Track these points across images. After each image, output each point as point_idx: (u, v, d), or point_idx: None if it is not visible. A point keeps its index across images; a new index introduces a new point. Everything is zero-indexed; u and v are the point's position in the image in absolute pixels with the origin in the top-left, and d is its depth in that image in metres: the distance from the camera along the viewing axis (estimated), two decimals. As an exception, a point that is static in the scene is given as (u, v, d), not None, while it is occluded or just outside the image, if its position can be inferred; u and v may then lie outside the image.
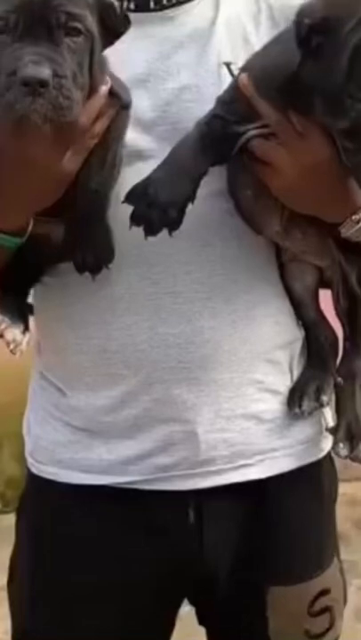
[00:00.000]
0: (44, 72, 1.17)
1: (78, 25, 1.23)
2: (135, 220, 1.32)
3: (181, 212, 1.32)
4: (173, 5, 1.46)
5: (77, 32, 1.23)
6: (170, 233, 1.32)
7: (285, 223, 1.43)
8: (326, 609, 1.53)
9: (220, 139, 1.34)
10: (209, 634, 1.63)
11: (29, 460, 1.56)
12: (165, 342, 1.42)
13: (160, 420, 1.44)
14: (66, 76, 1.20)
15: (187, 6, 1.46)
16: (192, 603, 1.58)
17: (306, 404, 1.50)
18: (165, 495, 1.46)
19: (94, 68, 1.26)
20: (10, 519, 1.62)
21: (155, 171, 1.33)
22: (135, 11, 1.42)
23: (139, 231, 1.33)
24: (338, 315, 1.50)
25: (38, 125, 1.20)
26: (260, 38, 1.45)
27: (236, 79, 1.36)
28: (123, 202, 1.33)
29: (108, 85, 1.31)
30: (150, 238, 1.32)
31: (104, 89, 1.30)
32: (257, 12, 1.48)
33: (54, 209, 1.36)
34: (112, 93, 1.32)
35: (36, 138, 1.25)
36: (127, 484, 1.47)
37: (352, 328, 1.50)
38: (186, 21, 1.46)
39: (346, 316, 1.49)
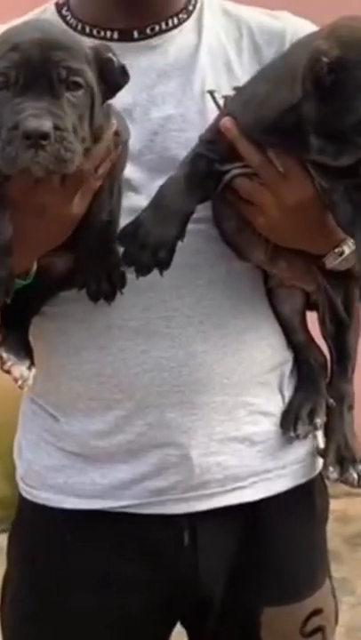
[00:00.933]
0: (46, 125, 1.19)
1: (79, 79, 1.24)
2: (127, 261, 1.35)
3: (171, 252, 1.34)
4: (156, 34, 1.47)
5: (78, 86, 1.24)
6: (161, 273, 1.35)
7: (270, 254, 1.45)
8: (319, 629, 1.54)
9: (205, 177, 1.36)
10: None
11: (21, 485, 1.56)
12: (158, 366, 1.42)
13: (154, 445, 1.45)
14: (67, 129, 1.21)
15: (169, 35, 1.47)
16: (184, 625, 1.58)
17: (301, 428, 1.51)
18: (160, 519, 1.47)
19: (95, 120, 1.27)
20: (1, 540, 1.62)
21: (143, 211, 1.35)
22: (118, 41, 1.44)
23: None
24: (324, 337, 1.52)
25: (40, 177, 1.22)
26: (242, 65, 1.47)
27: (217, 120, 1.38)
28: (114, 242, 1.36)
29: (114, 129, 1.32)
30: None
31: (109, 133, 1.32)
32: (239, 38, 1.50)
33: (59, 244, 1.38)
34: (116, 133, 1.33)
35: (46, 187, 1.27)
36: (121, 508, 1.47)
37: (339, 351, 1.51)
38: (169, 50, 1.47)
39: (332, 339, 1.51)
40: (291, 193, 1.33)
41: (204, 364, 1.43)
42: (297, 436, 1.51)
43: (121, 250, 1.36)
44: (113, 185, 1.37)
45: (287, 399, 1.53)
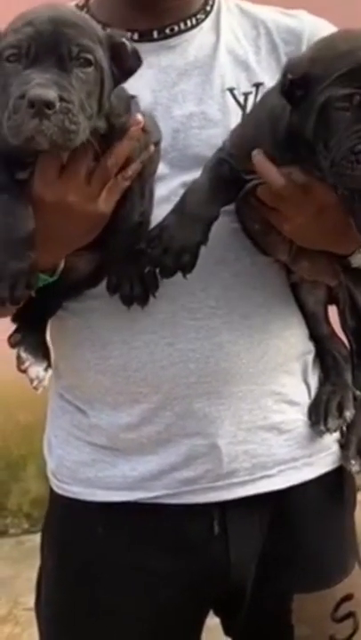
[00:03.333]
0: (50, 94, 1.20)
1: (89, 56, 1.25)
2: (151, 263, 1.38)
3: (194, 257, 1.37)
4: (176, 34, 1.49)
5: (88, 63, 1.25)
6: (184, 276, 1.38)
7: (293, 255, 1.47)
8: (350, 614, 1.55)
9: (229, 182, 1.39)
10: None
11: (52, 480, 1.59)
12: (185, 358, 1.44)
13: (182, 435, 1.47)
14: (73, 101, 1.22)
15: (188, 35, 1.50)
16: (217, 614, 1.60)
17: (331, 422, 1.53)
18: (190, 509, 1.49)
19: (104, 100, 1.29)
20: (37, 539, 1.64)
21: (167, 216, 1.38)
22: (139, 41, 1.46)
23: None
24: (344, 332, 1.54)
25: (42, 147, 1.23)
26: (261, 63, 1.50)
27: (242, 127, 1.40)
28: (140, 245, 1.38)
29: (140, 126, 1.34)
30: None
31: (134, 129, 1.33)
32: (256, 37, 1.52)
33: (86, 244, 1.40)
34: (144, 131, 1.35)
35: (71, 184, 1.29)
36: (152, 499, 1.49)
37: (359, 345, 1.52)
38: (188, 49, 1.49)
39: (353, 333, 1.52)
40: (313, 203, 1.34)
41: (231, 354, 1.45)
42: (327, 430, 1.52)
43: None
44: (144, 186, 1.39)
45: (313, 389, 1.55)
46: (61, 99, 1.20)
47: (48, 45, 1.23)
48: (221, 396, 1.46)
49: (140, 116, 1.35)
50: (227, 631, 1.63)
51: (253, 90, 1.48)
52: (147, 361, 1.45)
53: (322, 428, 1.52)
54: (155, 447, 1.48)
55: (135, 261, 1.41)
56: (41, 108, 1.19)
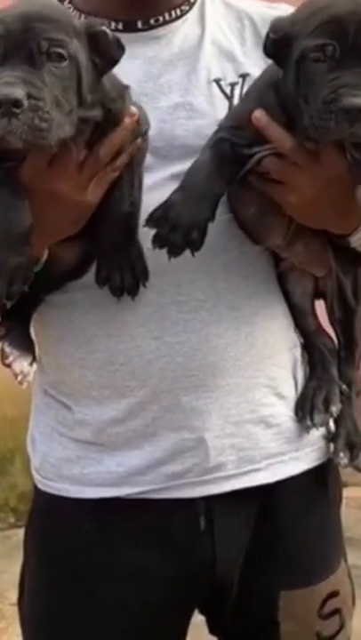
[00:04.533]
0: (17, 92, 1.17)
1: (61, 51, 1.23)
2: (159, 242, 1.35)
3: (203, 233, 1.36)
4: (161, 25, 1.49)
5: (60, 58, 1.23)
6: (192, 253, 1.36)
7: (289, 238, 1.46)
8: (336, 611, 1.55)
9: (232, 159, 1.37)
10: None
11: (36, 477, 1.57)
12: (172, 351, 1.43)
13: (169, 429, 1.46)
14: (43, 98, 1.20)
15: (173, 26, 1.49)
16: (202, 613, 1.59)
17: (317, 417, 1.52)
18: (176, 503, 1.48)
19: (83, 93, 1.27)
20: (22, 534, 1.63)
21: (172, 195, 1.36)
22: (123, 31, 1.45)
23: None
24: (332, 324, 1.53)
25: (19, 148, 1.21)
26: (246, 54, 1.49)
27: (241, 108, 1.40)
28: (144, 226, 1.36)
29: (134, 118, 1.33)
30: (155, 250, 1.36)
31: (127, 121, 1.32)
32: (241, 28, 1.52)
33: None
34: (137, 123, 1.34)
35: (61, 173, 1.28)
36: (138, 494, 1.48)
37: (346, 337, 1.52)
38: (173, 40, 1.49)
39: (340, 325, 1.52)
40: (324, 171, 1.33)
41: (218, 346, 1.44)
42: (314, 425, 1.52)
43: (151, 232, 1.36)
44: (133, 176, 1.38)
45: (300, 383, 1.55)
46: (30, 96, 1.18)
47: (17, 42, 1.21)
48: (209, 389, 1.45)
49: (134, 109, 1.34)
50: (212, 629, 1.62)
51: (240, 80, 1.48)
52: (133, 355, 1.44)
53: (308, 423, 1.52)
54: (141, 441, 1.47)
55: (125, 251, 1.40)
56: (8, 107, 1.17)
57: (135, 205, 1.39)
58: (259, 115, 1.33)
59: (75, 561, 1.51)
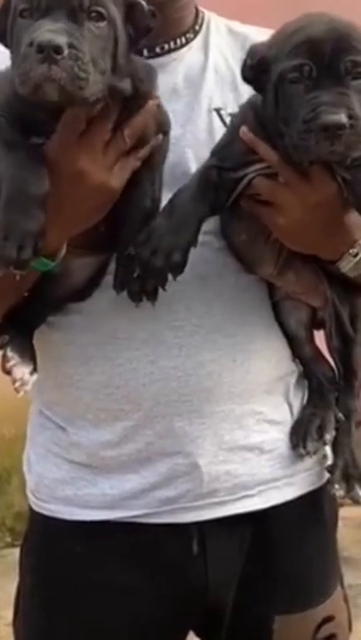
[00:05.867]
0: (59, 38, 1.18)
1: (101, 10, 1.24)
2: (141, 266, 1.35)
3: (185, 257, 1.36)
4: (166, 53, 1.49)
5: (100, 17, 1.24)
6: (174, 277, 1.36)
7: (280, 267, 1.46)
8: (331, 636, 1.55)
9: (217, 185, 1.38)
10: None
11: (31, 498, 1.57)
12: (166, 376, 1.43)
13: (163, 454, 1.46)
14: (83, 51, 1.20)
15: (178, 54, 1.50)
16: (197, 635, 1.59)
17: (310, 445, 1.52)
18: (169, 528, 1.48)
19: (118, 57, 1.27)
20: (18, 553, 1.62)
21: (156, 220, 1.36)
22: None
23: None
24: (331, 353, 1.53)
25: (51, 98, 1.20)
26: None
27: (229, 129, 1.41)
28: (128, 251, 1.36)
29: (157, 102, 1.34)
30: None
31: (151, 104, 1.33)
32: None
33: (86, 240, 1.38)
34: (159, 108, 1.35)
35: (87, 150, 1.28)
36: (131, 518, 1.48)
37: (345, 367, 1.52)
38: (178, 68, 1.50)
39: (339, 355, 1.52)
40: (313, 191, 1.34)
41: (213, 373, 1.44)
42: (307, 453, 1.51)
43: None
44: (154, 174, 1.38)
45: (295, 409, 1.54)
46: (71, 45, 1.19)
47: None
48: (202, 415, 1.45)
49: (159, 97, 1.35)
50: None
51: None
52: (129, 378, 1.44)
53: (301, 450, 1.52)
54: (135, 466, 1.47)
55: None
56: (49, 53, 1.18)
57: (156, 203, 1.39)
58: (245, 130, 1.35)
59: (68, 581, 1.51)
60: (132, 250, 1.36)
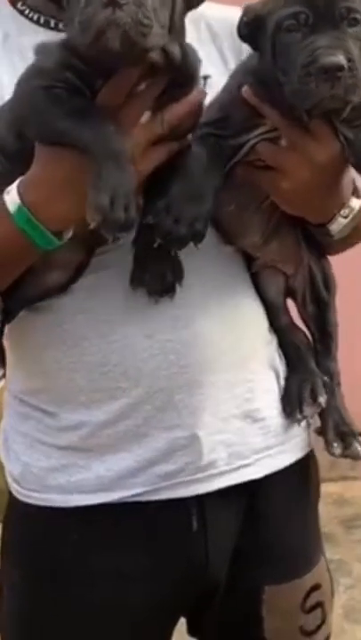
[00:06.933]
0: None
1: None
2: (162, 235, 1.35)
3: (206, 225, 1.36)
4: None
5: None
6: (196, 245, 1.36)
7: (267, 236, 1.48)
8: (318, 604, 1.56)
9: (218, 154, 1.38)
10: None
11: (16, 488, 1.53)
12: (164, 349, 1.42)
13: (161, 429, 1.44)
14: (146, 2, 1.18)
15: None
16: (184, 614, 1.58)
17: (307, 409, 1.53)
18: (168, 505, 1.46)
19: (175, 19, 1.26)
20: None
21: (172, 189, 1.35)
22: None
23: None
24: (304, 320, 1.56)
25: (112, 47, 1.18)
26: (208, 55, 1.48)
27: (224, 97, 1.41)
28: (144, 220, 1.34)
29: (202, 96, 1.33)
30: None
31: (195, 95, 1.32)
32: (196, 30, 1.51)
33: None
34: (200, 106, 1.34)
35: (127, 123, 1.26)
36: (130, 497, 1.46)
37: (321, 331, 1.56)
38: None
39: (314, 320, 1.55)
40: (318, 151, 1.35)
41: (208, 342, 1.44)
42: (304, 417, 1.53)
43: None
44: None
45: (281, 377, 1.56)
46: None
47: None
48: (201, 385, 1.45)
49: (202, 89, 1.34)
50: (193, 631, 1.61)
51: (202, 82, 1.46)
52: (126, 354, 1.43)
53: (298, 416, 1.53)
54: (131, 443, 1.45)
55: (163, 251, 1.38)
56: None
57: None
58: (250, 92, 1.35)
59: (64, 572, 1.48)
60: (150, 219, 1.34)
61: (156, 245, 1.35)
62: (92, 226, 1.23)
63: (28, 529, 1.53)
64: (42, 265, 1.38)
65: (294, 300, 1.56)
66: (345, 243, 1.52)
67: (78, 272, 1.42)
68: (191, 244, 1.35)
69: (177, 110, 1.31)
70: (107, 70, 1.25)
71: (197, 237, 1.35)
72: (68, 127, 1.25)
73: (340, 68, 1.25)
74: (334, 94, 1.26)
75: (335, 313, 1.57)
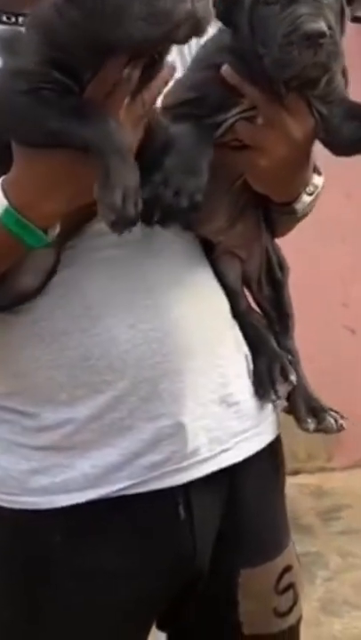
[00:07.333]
0: None
1: None
2: (162, 207, 1.33)
3: (203, 196, 1.36)
4: None
5: None
6: (190, 217, 1.37)
7: (233, 219, 1.50)
8: (290, 586, 1.57)
9: (205, 127, 1.39)
10: (173, 636, 1.63)
11: None
12: (147, 338, 1.42)
13: (146, 419, 1.43)
14: None
15: None
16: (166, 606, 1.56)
17: (281, 389, 1.54)
18: (155, 497, 1.45)
19: None
20: None
21: (166, 163, 1.34)
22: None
23: (105, 234, 1.33)
24: (259, 303, 1.59)
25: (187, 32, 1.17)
26: None
27: (196, 76, 1.41)
28: (144, 196, 1.31)
29: (174, 72, 1.31)
30: (114, 239, 1.31)
31: (167, 71, 1.30)
32: None
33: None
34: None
35: (113, 110, 1.24)
36: (116, 492, 1.43)
37: (278, 311, 1.59)
38: None
39: (270, 301, 1.58)
40: (297, 126, 1.37)
41: (186, 329, 1.44)
42: (279, 398, 1.54)
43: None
44: None
45: (249, 360, 1.56)
46: None
47: None
48: (182, 372, 1.44)
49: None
50: (164, 624, 1.60)
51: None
52: (110, 347, 1.41)
53: (273, 397, 1.54)
54: (115, 437, 1.43)
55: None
56: None
57: None
58: (227, 71, 1.36)
59: (47, 575, 1.44)
60: (147, 192, 1.31)
61: (155, 220, 1.34)
62: (105, 224, 1.23)
63: (6, 534, 1.48)
64: (12, 270, 1.35)
65: (248, 284, 1.58)
66: (294, 224, 1.56)
67: (51, 273, 1.40)
68: (157, 226, 1.36)
69: (154, 89, 1.30)
70: (95, 60, 1.23)
71: (197, 209, 1.36)
72: (65, 128, 1.22)
73: (322, 34, 1.27)
74: (316, 61, 1.29)
75: (289, 293, 1.59)
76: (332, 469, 3.85)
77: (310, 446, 3.68)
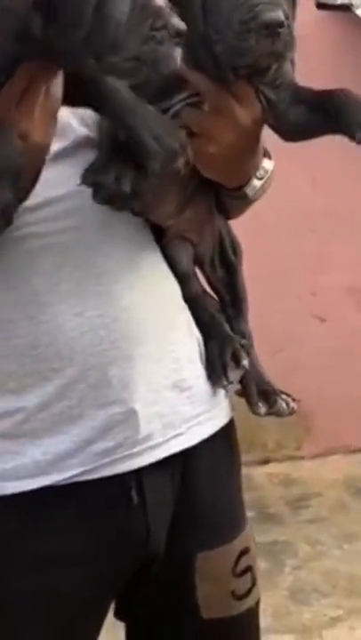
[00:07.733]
0: None
1: None
2: (103, 194, 1.32)
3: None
4: None
5: None
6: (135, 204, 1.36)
7: (183, 204, 1.49)
8: (248, 568, 1.58)
9: None
10: (131, 625, 1.62)
11: None
12: (94, 326, 1.41)
13: (96, 406, 1.43)
14: None
15: None
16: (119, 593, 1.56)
17: (232, 374, 1.54)
18: (107, 482, 1.45)
19: None
20: None
21: (125, 118, 1.31)
22: None
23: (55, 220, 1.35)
24: (212, 286, 1.59)
25: None
26: None
27: None
28: (81, 183, 1.31)
29: None
30: (68, 223, 1.33)
31: None
32: None
33: None
34: None
35: (28, 110, 1.23)
36: (68, 479, 1.43)
37: (232, 294, 1.59)
38: None
39: (224, 284, 1.58)
40: (244, 113, 1.37)
41: (135, 315, 1.44)
42: (230, 383, 1.54)
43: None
44: None
45: (201, 345, 1.57)
46: None
47: None
48: (132, 359, 1.44)
49: None
50: (121, 612, 1.60)
51: None
52: (57, 334, 1.41)
53: (224, 382, 1.54)
54: (66, 424, 1.43)
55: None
56: None
57: None
58: None
59: (2, 562, 1.44)
60: (87, 179, 1.32)
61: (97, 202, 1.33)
62: None
63: None
64: None
65: (201, 266, 1.58)
66: (247, 207, 1.56)
67: None
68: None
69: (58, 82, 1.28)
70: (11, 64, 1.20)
71: (140, 194, 1.34)
72: None
73: (280, 24, 1.27)
74: (273, 50, 1.28)
75: (243, 276, 1.59)
76: (302, 458, 3.83)
77: (279, 435, 3.68)
